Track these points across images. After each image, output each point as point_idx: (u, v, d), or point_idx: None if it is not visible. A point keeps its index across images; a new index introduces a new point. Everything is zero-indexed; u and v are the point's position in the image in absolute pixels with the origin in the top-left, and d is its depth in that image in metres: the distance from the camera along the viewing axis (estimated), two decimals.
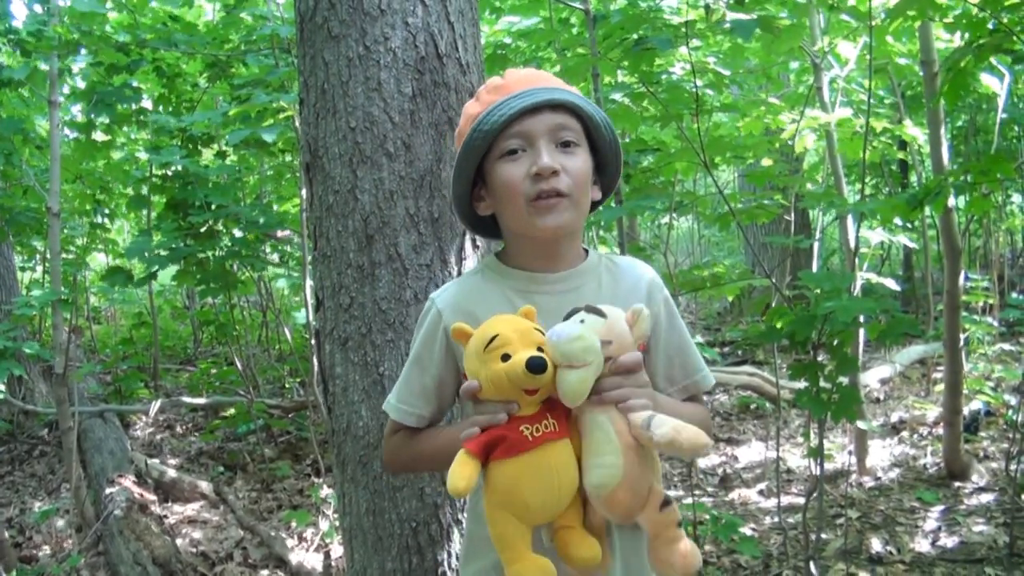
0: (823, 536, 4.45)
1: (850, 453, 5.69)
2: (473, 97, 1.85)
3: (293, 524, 5.27)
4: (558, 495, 1.58)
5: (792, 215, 5.30)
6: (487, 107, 1.74)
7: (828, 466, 5.41)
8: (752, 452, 6.26)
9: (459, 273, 2.57)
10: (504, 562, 1.57)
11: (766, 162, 5.25)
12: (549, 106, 1.73)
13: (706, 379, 1.92)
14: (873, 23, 4.15)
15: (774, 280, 4.33)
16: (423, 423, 1.85)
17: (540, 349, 1.55)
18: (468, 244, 2.62)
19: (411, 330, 2.52)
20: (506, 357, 1.54)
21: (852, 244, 4.78)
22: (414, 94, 2.55)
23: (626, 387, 1.60)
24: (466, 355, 1.62)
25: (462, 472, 1.52)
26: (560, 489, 1.58)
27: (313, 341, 5.34)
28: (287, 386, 8.21)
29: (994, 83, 5.15)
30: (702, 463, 6.10)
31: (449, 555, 2.60)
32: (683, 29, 4.01)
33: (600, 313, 1.60)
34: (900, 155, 8.54)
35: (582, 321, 1.59)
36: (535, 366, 1.51)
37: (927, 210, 5.55)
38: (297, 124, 5.16)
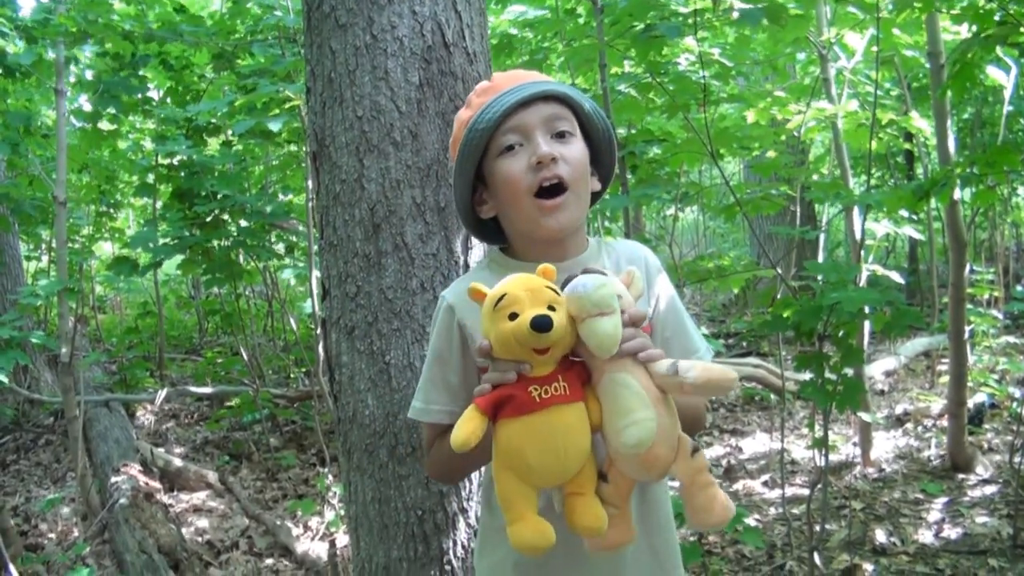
0: (827, 527, 4.46)
1: (854, 445, 5.70)
2: (465, 105, 1.85)
3: (298, 513, 5.29)
4: (564, 459, 1.55)
5: (798, 206, 5.30)
6: (479, 108, 1.75)
7: (832, 457, 5.41)
8: (756, 443, 6.27)
9: (465, 262, 2.57)
10: (506, 521, 1.56)
11: (771, 154, 5.25)
12: (541, 98, 1.74)
13: (705, 358, 1.91)
14: (880, 15, 4.14)
15: (779, 271, 4.33)
16: (455, 419, 1.79)
17: (551, 308, 1.53)
18: None
19: (417, 319, 2.53)
20: (514, 316, 1.53)
21: (858, 236, 4.77)
22: (421, 83, 2.55)
23: (642, 338, 1.59)
24: (482, 315, 1.60)
25: (467, 426, 1.51)
26: (566, 452, 1.55)
27: (319, 330, 5.36)
28: (292, 376, 8.23)
29: (1001, 76, 5.14)
30: (707, 453, 6.09)
31: (455, 543, 2.61)
32: (691, 19, 4.01)
33: (601, 272, 1.59)
34: (906, 147, 8.52)
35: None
36: (539, 324, 1.49)
37: (933, 202, 5.54)
38: (303, 113, 5.17)
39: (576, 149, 1.77)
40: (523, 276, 1.60)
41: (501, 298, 1.55)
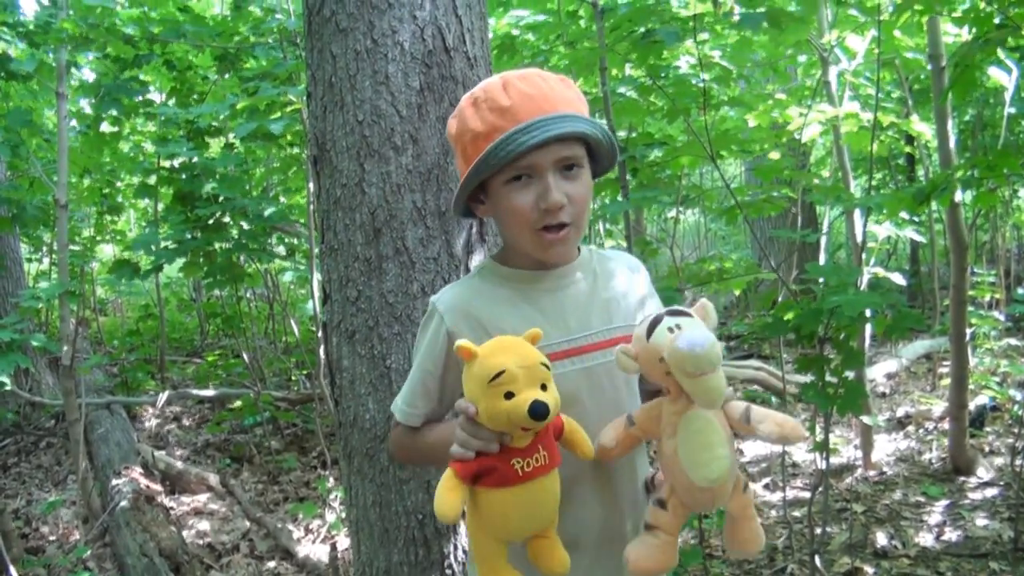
0: (828, 530, 4.46)
1: (855, 447, 5.70)
2: (470, 100, 1.81)
3: (299, 516, 5.29)
4: (540, 524, 1.62)
5: (799, 209, 5.30)
6: (491, 130, 1.72)
7: (834, 460, 5.41)
8: (758, 446, 6.26)
9: (466, 266, 2.58)
10: (480, 574, 1.62)
11: (774, 155, 5.25)
12: (560, 139, 1.74)
13: None
14: (881, 17, 4.14)
15: (780, 274, 4.33)
16: (426, 420, 1.87)
17: (543, 387, 1.53)
18: (475, 237, 2.63)
19: (418, 323, 2.52)
20: (509, 395, 1.51)
21: (859, 238, 4.77)
22: (421, 88, 2.55)
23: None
24: (467, 377, 1.59)
25: (450, 497, 1.53)
26: (544, 519, 1.61)
27: (320, 334, 5.36)
28: (293, 379, 8.23)
29: (1003, 77, 5.14)
30: None
31: (455, 548, 2.61)
32: (691, 23, 4.01)
33: (688, 314, 1.63)
34: (907, 149, 8.52)
35: (678, 327, 1.59)
36: (537, 412, 1.49)
37: (934, 205, 5.55)
38: (304, 117, 5.17)
39: (582, 184, 1.78)
40: (515, 344, 1.59)
41: (498, 375, 1.52)
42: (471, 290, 1.86)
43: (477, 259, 2.61)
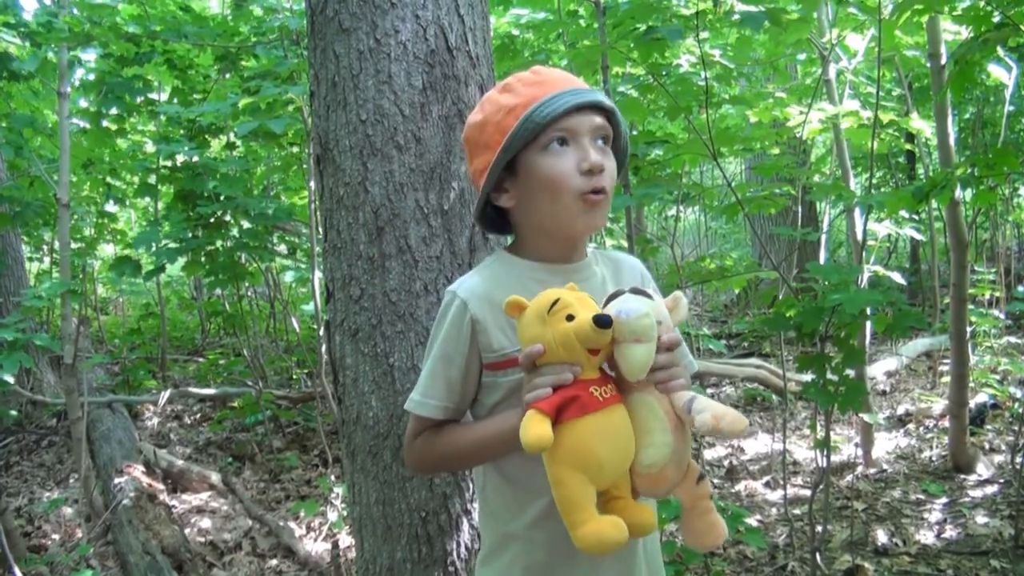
0: (829, 528, 4.47)
1: (856, 445, 5.71)
2: (496, 89, 1.85)
3: (301, 514, 5.30)
4: (625, 456, 1.61)
5: (799, 207, 5.30)
6: (530, 100, 1.75)
7: (834, 458, 5.43)
8: (758, 444, 6.28)
9: (469, 264, 2.58)
10: (573, 524, 1.56)
11: (775, 151, 5.26)
12: (592, 106, 1.77)
13: (691, 365, 1.96)
14: (881, 16, 4.15)
15: (781, 272, 4.34)
16: (448, 415, 1.83)
17: None
18: (478, 236, 2.64)
19: (421, 321, 2.54)
20: (570, 318, 1.57)
21: (859, 236, 4.79)
22: (424, 87, 2.56)
23: (672, 368, 1.66)
24: (524, 324, 1.63)
25: (538, 427, 1.52)
26: (626, 450, 1.61)
27: (322, 332, 5.37)
28: (295, 377, 8.24)
29: (1002, 74, 5.15)
30: (708, 454, 6.11)
31: (458, 545, 2.62)
32: (694, 21, 4.02)
33: (647, 295, 1.66)
34: (907, 147, 8.53)
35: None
36: (603, 321, 1.54)
37: (934, 203, 5.55)
38: (306, 116, 5.19)
39: (612, 161, 1.81)
40: (559, 290, 1.64)
41: (555, 303, 1.59)
42: (492, 278, 1.84)
43: (480, 257, 2.61)
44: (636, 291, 1.66)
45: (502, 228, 1.95)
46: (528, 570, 1.82)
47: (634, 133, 5.27)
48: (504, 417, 1.74)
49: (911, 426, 6.28)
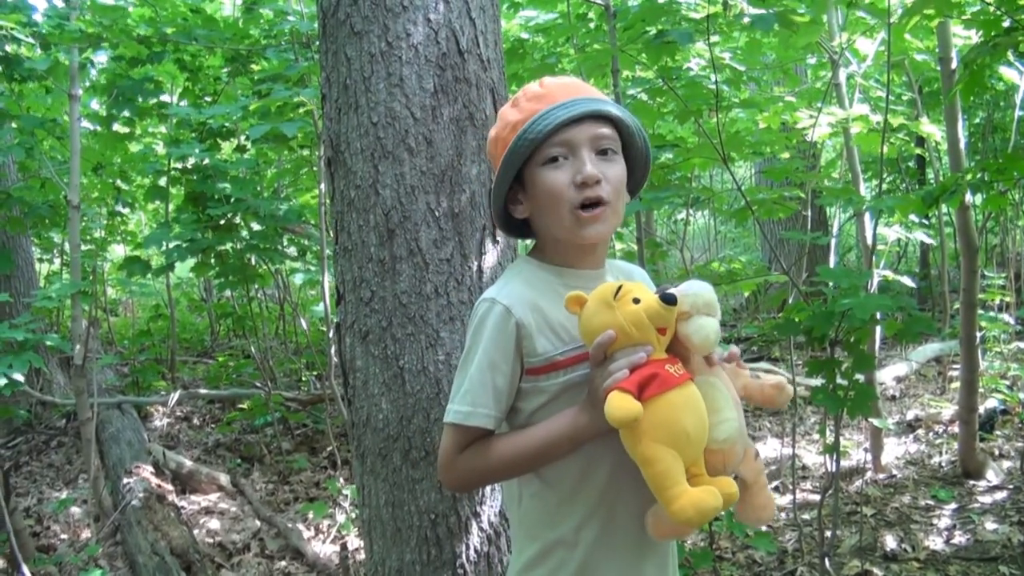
0: (838, 533, 4.46)
1: (865, 450, 5.70)
2: (509, 104, 1.87)
3: (310, 516, 5.31)
4: (704, 430, 1.64)
5: (809, 211, 5.30)
6: (530, 115, 1.77)
7: (843, 463, 5.41)
8: (767, 449, 6.26)
9: (479, 267, 2.59)
10: (671, 498, 1.57)
11: (786, 155, 5.25)
12: (591, 116, 1.77)
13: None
14: (891, 20, 4.15)
15: (791, 276, 4.34)
16: (496, 425, 1.80)
17: None
18: (489, 239, 2.64)
19: (431, 324, 2.55)
20: (636, 300, 1.62)
21: (869, 241, 4.78)
22: (435, 90, 2.57)
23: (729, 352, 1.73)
24: (588, 315, 1.66)
25: (624, 403, 1.55)
26: (706, 425, 1.64)
27: (331, 334, 5.38)
28: (304, 379, 8.25)
29: (1015, 76, 5.14)
30: None
31: (467, 547, 2.62)
32: (704, 23, 4.02)
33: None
34: (917, 151, 8.52)
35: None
36: (670, 298, 1.60)
37: (944, 207, 5.55)
38: (316, 119, 5.19)
39: (617, 168, 1.81)
40: (615, 283, 1.69)
41: (618, 289, 1.64)
42: (526, 283, 1.83)
43: (490, 261, 2.62)
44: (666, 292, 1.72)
45: (525, 232, 1.96)
46: (578, 573, 1.81)
47: None
48: (561, 417, 1.74)
49: (920, 431, 6.26)
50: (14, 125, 5.84)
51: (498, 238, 2.67)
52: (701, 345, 1.65)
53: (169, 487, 5.56)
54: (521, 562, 1.90)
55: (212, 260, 6.13)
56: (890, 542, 4.46)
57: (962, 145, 5.11)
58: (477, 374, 1.78)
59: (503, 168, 1.79)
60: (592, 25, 5.59)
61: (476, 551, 2.63)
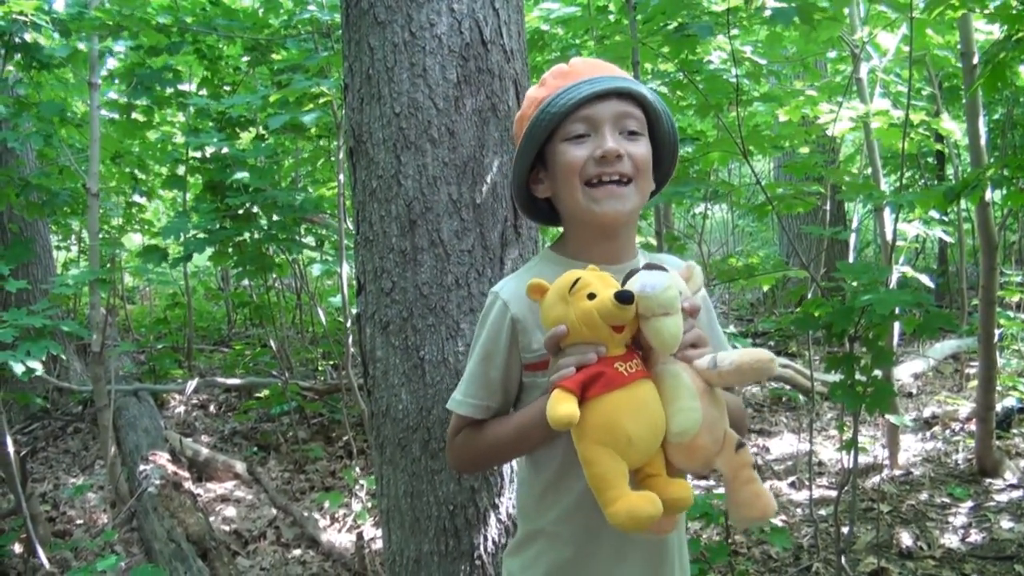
0: (854, 529, 4.45)
1: (882, 447, 5.68)
2: (538, 84, 1.86)
3: (325, 505, 5.32)
4: (654, 431, 1.59)
5: (828, 205, 5.28)
6: (554, 91, 1.76)
7: (860, 460, 5.40)
8: (784, 444, 6.25)
9: (500, 258, 2.59)
10: (606, 502, 1.54)
11: (804, 149, 5.23)
12: (616, 93, 1.76)
13: (722, 342, 1.95)
14: (913, 14, 4.13)
15: (811, 271, 4.32)
16: (488, 414, 1.84)
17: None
18: (510, 231, 2.64)
19: (452, 315, 2.55)
20: (592, 296, 1.57)
21: (889, 236, 4.76)
22: (459, 80, 2.56)
23: (695, 335, 1.66)
24: (546, 306, 1.64)
25: (565, 405, 1.52)
26: (656, 426, 1.59)
27: (349, 324, 5.39)
28: (320, 369, 8.27)
29: None
30: None
31: (485, 539, 2.62)
32: (725, 16, 4.01)
33: (663, 268, 1.65)
34: (937, 147, 8.48)
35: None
36: (624, 297, 1.54)
37: (963, 203, 5.52)
38: (335, 108, 5.19)
39: (642, 148, 1.78)
40: (582, 270, 1.64)
41: (575, 282, 1.60)
42: (535, 277, 1.81)
43: (512, 252, 2.62)
44: (650, 266, 1.66)
45: (552, 219, 1.95)
46: (552, 565, 1.82)
47: None
48: (535, 404, 1.73)
49: (937, 429, 6.24)
50: (33, 113, 5.85)
51: (520, 230, 2.67)
52: (660, 348, 1.60)
53: (185, 474, 5.59)
54: (510, 545, 1.97)
55: (230, 249, 6.13)
56: (906, 539, 4.45)
57: (983, 141, 5.08)
58: (473, 365, 1.85)
59: (524, 142, 1.78)
60: (612, 18, 5.57)
61: (494, 542, 2.63)
